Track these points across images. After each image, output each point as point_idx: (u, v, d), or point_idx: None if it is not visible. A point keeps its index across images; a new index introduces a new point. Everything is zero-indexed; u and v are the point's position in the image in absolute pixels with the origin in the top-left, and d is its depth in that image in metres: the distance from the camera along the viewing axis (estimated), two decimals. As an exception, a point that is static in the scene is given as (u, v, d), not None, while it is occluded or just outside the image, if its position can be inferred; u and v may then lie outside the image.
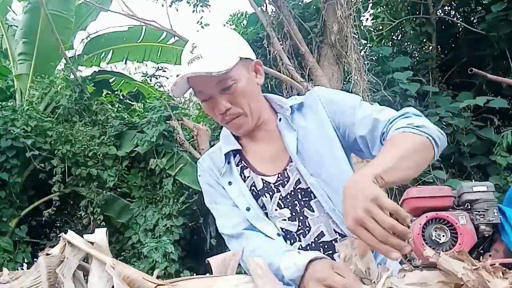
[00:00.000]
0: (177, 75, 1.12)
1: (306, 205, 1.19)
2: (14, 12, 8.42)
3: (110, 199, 6.36)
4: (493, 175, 5.09)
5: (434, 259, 0.69)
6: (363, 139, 1.13)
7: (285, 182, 1.19)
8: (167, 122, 6.10)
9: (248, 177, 1.23)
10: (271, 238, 1.18)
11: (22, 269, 3.00)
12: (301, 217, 1.19)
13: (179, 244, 6.05)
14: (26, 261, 6.37)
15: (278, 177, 1.20)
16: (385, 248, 0.74)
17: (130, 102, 8.15)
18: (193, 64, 1.09)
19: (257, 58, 1.24)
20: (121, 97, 7.83)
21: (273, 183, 1.20)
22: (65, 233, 0.83)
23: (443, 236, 0.78)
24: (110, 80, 8.01)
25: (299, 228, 1.19)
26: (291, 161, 1.18)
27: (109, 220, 6.40)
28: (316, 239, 1.18)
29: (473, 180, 4.99)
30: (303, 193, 1.18)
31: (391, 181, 0.86)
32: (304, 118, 1.21)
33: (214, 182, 1.27)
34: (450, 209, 0.83)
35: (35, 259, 6.59)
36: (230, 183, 1.23)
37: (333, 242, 1.17)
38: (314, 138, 1.17)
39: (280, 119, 1.21)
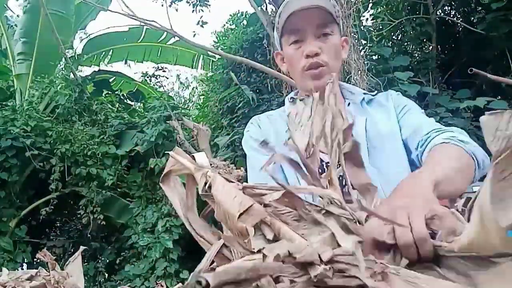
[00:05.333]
0: (285, 5, 1.13)
1: None
2: (11, 10, 8.44)
3: (110, 198, 6.36)
4: (493, 175, 5.08)
5: None
6: (405, 142, 1.13)
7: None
8: (167, 122, 6.11)
9: None
10: None
11: (22, 269, 3.00)
12: None
13: (179, 244, 6.05)
14: (26, 261, 6.37)
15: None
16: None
17: (130, 102, 8.16)
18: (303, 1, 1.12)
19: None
20: (121, 97, 7.84)
21: (326, 162, 1.07)
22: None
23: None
24: (110, 80, 8.01)
25: None
26: None
27: (109, 220, 6.40)
28: None
29: (473, 180, 4.97)
30: None
31: (445, 192, 0.79)
32: (373, 109, 1.21)
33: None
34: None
35: (35, 259, 6.60)
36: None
37: None
38: (380, 129, 1.16)
39: (349, 104, 1.22)
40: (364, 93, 1.25)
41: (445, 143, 0.96)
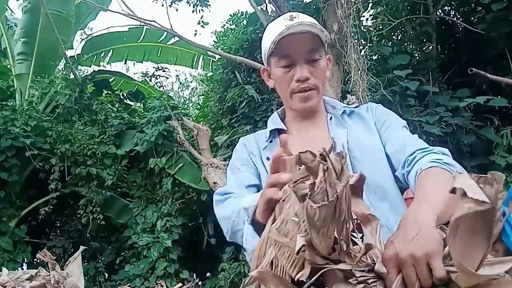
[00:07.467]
0: (279, 33, 1.15)
1: None
2: (11, 10, 8.43)
3: (110, 198, 6.36)
4: (493, 175, 5.07)
5: None
6: (389, 158, 1.18)
7: None
8: (167, 122, 6.11)
9: None
10: None
11: (22, 269, 3.00)
12: None
13: (179, 244, 6.05)
14: (26, 261, 6.38)
15: None
16: None
17: (130, 102, 8.15)
18: (296, 27, 1.15)
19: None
20: (121, 97, 7.84)
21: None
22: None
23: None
24: (110, 80, 8.01)
25: None
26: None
27: (109, 220, 6.40)
28: None
29: (473, 180, 4.96)
30: None
31: (441, 221, 0.81)
32: (353, 122, 1.28)
33: (246, 156, 1.29)
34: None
35: (35, 259, 6.60)
36: (268, 158, 1.25)
37: None
38: (361, 141, 1.21)
39: (331, 118, 1.28)
40: (345, 107, 1.33)
41: (433, 167, 0.98)
